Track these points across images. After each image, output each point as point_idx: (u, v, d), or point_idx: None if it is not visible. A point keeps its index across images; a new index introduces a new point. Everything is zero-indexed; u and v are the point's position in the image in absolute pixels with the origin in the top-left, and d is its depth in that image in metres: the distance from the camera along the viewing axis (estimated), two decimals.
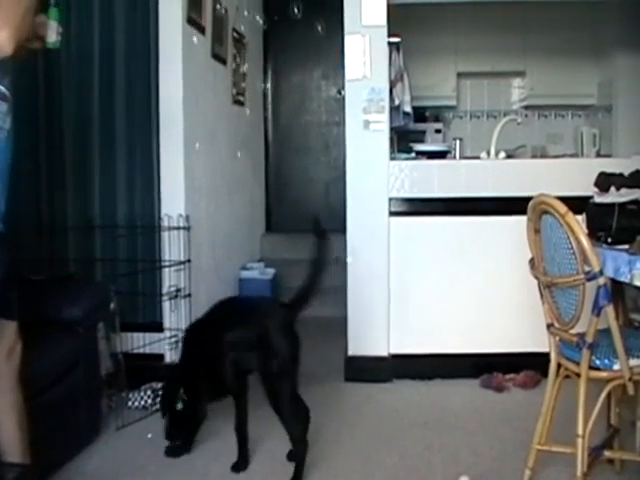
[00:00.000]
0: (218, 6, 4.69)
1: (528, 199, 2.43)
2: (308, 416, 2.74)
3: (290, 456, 2.80)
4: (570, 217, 2.18)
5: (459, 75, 7.11)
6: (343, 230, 4.04)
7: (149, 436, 3.13)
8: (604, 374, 2.27)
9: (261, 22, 6.49)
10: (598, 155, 5.90)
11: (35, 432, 2.37)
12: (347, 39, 3.97)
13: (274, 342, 2.64)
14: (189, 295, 3.74)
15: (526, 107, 7.16)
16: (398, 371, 3.98)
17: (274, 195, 6.89)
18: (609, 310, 2.19)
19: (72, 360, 2.92)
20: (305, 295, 2.75)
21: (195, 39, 4.19)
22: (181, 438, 3.00)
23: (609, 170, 2.72)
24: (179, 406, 2.87)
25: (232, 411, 3.31)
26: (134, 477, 2.78)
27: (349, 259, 4.00)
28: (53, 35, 2.33)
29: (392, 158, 4.10)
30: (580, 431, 2.24)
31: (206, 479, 2.79)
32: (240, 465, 2.83)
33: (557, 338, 2.46)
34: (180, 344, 3.13)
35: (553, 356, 2.48)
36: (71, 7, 3.97)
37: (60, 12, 2.39)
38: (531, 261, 2.54)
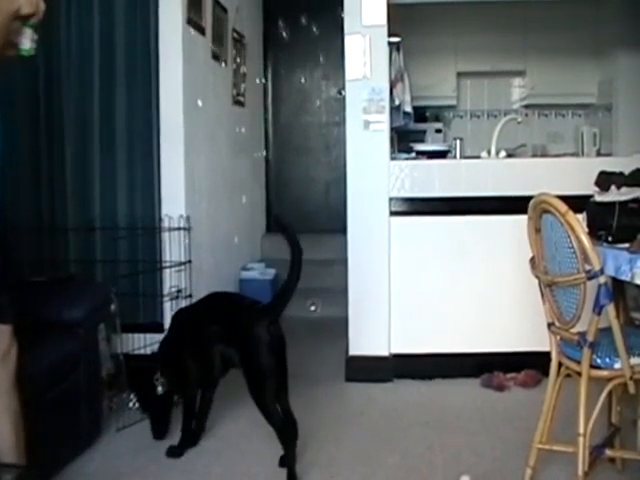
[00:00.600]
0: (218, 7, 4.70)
1: (528, 198, 2.43)
2: (296, 429, 2.72)
3: (282, 462, 2.78)
4: (571, 216, 2.18)
5: (459, 75, 7.12)
6: (343, 230, 4.05)
7: None
8: (605, 373, 2.27)
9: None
10: (598, 154, 5.90)
11: (36, 433, 2.36)
12: (347, 39, 3.97)
13: (256, 337, 2.66)
14: (190, 296, 3.73)
15: (526, 106, 7.16)
16: (399, 371, 3.97)
17: (274, 195, 6.89)
18: (610, 309, 2.19)
19: (73, 361, 2.92)
20: (284, 296, 2.75)
21: (195, 40, 4.19)
22: (163, 430, 3.05)
23: (609, 169, 2.71)
24: (160, 390, 2.96)
25: (232, 411, 3.33)
26: (135, 478, 2.78)
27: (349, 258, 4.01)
28: (27, 42, 2.26)
29: (392, 158, 4.10)
30: (581, 430, 2.24)
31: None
32: (175, 450, 2.95)
33: (558, 337, 2.46)
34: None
35: (554, 355, 2.48)
36: (71, 8, 3.98)
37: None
38: (532, 260, 2.54)
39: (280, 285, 2.81)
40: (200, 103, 4.21)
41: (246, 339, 2.71)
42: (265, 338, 2.66)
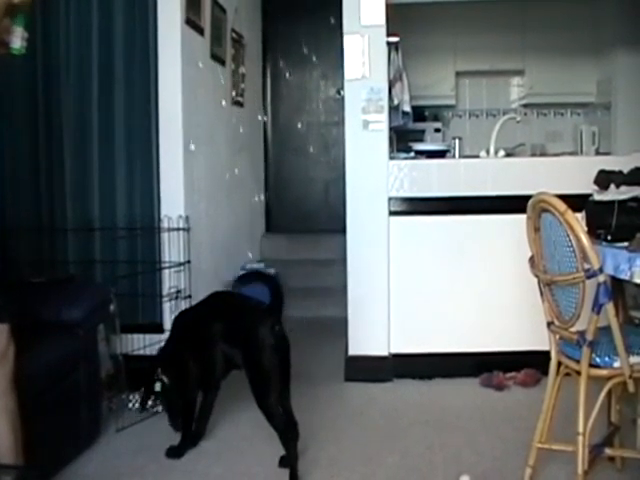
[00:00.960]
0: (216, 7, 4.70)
1: (528, 197, 2.43)
2: (297, 431, 2.71)
3: (282, 462, 2.78)
4: (569, 215, 2.18)
5: (458, 74, 7.12)
6: (343, 230, 4.05)
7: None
8: (604, 372, 2.27)
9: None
10: (597, 153, 5.91)
11: (35, 434, 2.36)
12: (346, 39, 3.97)
13: (260, 339, 2.65)
14: (189, 296, 3.73)
15: (525, 105, 7.17)
16: (398, 370, 3.97)
17: (274, 195, 6.89)
18: (609, 308, 2.19)
19: (72, 362, 2.92)
20: (279, 295, 2.75)
21: (194, 40, 4.19)
22: (177, 424, 3.04)
23: (608, 168, 2.71)
24: (157, 387, 2.97)
25: (232, 413, 3.33)
26: (135, 478, 2.78)
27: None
28: (18, 41, 2.24)
29: (391, 158, 4.10)
30: (580, 429, 2.24)
31: None
32: (175, 451, 2.95)
33: (557, 336, 2.45)
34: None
35: (553, 354, 2.48)
36: (70, 8, 3.98)
37: (26, 17, 2.31)
38: (531, 259, 2.54)
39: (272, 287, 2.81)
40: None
41: (250, 340, 2.69)
42: (270, 339, 2.65)
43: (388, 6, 3.96)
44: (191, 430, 3.02)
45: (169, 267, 3.74)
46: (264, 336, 2.65)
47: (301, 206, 6.84)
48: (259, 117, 6.56)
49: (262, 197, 6.68)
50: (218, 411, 3.19)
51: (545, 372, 2.56)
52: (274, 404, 2.64)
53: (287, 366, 2.70)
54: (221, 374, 2.93)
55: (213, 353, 2.84)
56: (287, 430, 2.66)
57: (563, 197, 2.24)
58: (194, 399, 3.00)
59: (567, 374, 2.43)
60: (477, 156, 4.41)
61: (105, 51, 3.98)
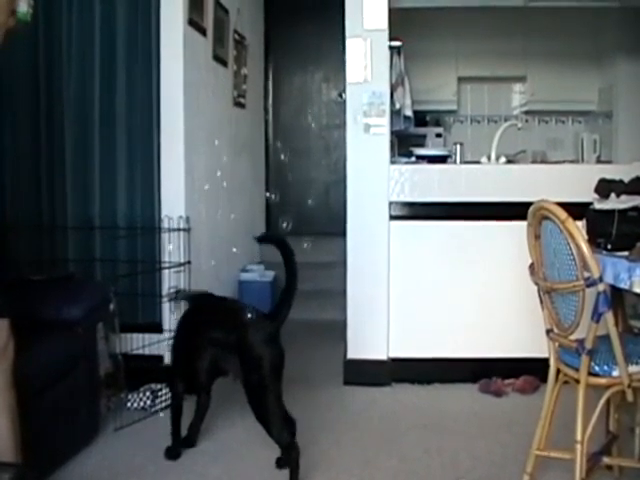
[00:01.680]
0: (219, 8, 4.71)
1: (528, 204, 2.43)
2: (294, 428, 2.69)
3: (279, 463, 2.78)
4: (570, 223, 2.18)
5: (460, 79, 7.14)
6: (343, 233, 4.05)
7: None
8: (603, 380, 2.27)
9: None
10: (598, 161, 5.92)
11: (33, 432, 2.36)
12: (348, 42, 3.98)
13: (258, 353, 2.62)
14: None
15: (527, 112, 7.18)
16: (397, 375, 3.97)
17: (274, 197, 6.88)
18: (608, 316, 2.19)
19: (71, 361, 2.92)
20: (285, 306, 2.73)
21: (196, 41, 4.19)
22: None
23: (609, 176, 2.72)
24: None
25: (230, 417, 3.33)
26: (132, 478, 2.78)
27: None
28: (24, 5, 2.24)
29: (392, 162, 4.10)
30: (579, 437, 2.25)
31: None
32: (173, 451, 2.95)
33: (556, 344, 2.46)
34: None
35: (552, 362, 2.48)
36: (72, 9, 3.98)
37: None
38: (531, 266, 2.54)
39: (280, 291, 2.79)
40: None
41: (248, 349, 2.65)
42: (267, 348, 2.63)
43: (391, 10, 3.97)
44: (179, 432, 3.00)
45: (169, 267, 3.74)
46: (261, 345, 2.63)
47: (301, 208, 6.84)
48: (260, 119, 6.57)
49: (263, 199, 6.69)
50: (216, 414, 3.19)
51: (544, 379, 2.56)
52: (274, 415, 2.60)
53: (280, 375, 2.67)
54: (208, 381, 2.93)
55: (203, 359, 2.80)
56: (289, 443, 2.62)
57: (564, 205, 2.24)
58: (179, 403, 2.97)
59: (566, 382, 2.43)
60: (478, 162, 4.41)
61: (107, 51, 3.98)
